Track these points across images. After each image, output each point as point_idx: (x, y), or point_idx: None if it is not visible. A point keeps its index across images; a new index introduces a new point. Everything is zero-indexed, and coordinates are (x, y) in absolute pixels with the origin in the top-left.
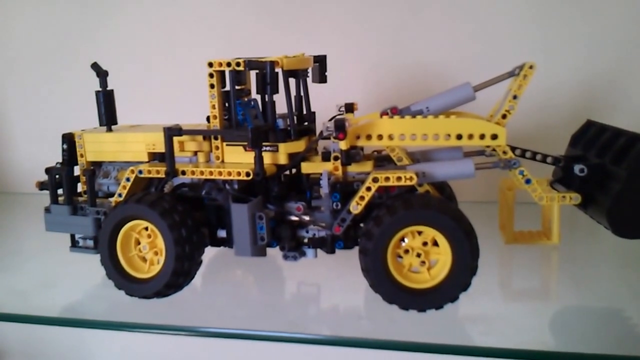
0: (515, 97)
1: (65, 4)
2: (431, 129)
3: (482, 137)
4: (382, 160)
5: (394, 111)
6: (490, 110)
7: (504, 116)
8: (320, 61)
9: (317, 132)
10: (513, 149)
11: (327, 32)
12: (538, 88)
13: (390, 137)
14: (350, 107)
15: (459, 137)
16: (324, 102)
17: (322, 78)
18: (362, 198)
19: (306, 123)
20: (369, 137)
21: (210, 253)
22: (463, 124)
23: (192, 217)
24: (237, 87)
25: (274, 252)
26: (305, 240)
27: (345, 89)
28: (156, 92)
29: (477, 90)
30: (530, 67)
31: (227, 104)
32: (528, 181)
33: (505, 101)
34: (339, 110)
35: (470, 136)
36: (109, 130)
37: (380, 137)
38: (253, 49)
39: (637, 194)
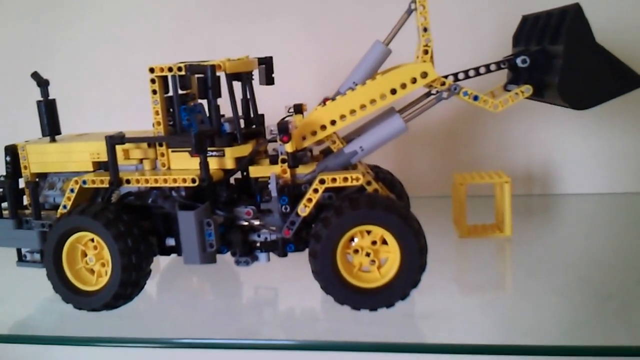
0: (425, 29)
1: (13, 13)
2: (365, 97)
3: (414, 81)
4: (326, 153)
5: (326, 101)
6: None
7: (425, 52)
8: (267, 63)
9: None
10: (455, 76)
11: (279, 31)
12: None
13: (333, 123)
14: (299, 108)
15: (393, 91)
16: (279, 104)
17: (269, 80)
18: (309, 200)
19: (254, 126)
20: (313, 133)
21: (164, 262)
22: (390, 78)
23: (138, 226)
24: (182, 92)
25: (229, 258)
26: (257, 245)
27: (301, 89)
28: (104, 99)
29: (388, 42)
30: None
31: (171, 110)
32: (476, 98)
33: (419, 37)
34: (288, 112)
35: (403, 85)
36: (53, 140)
37: (323, 127)
38: (202, 54)
39: (580, 62)
